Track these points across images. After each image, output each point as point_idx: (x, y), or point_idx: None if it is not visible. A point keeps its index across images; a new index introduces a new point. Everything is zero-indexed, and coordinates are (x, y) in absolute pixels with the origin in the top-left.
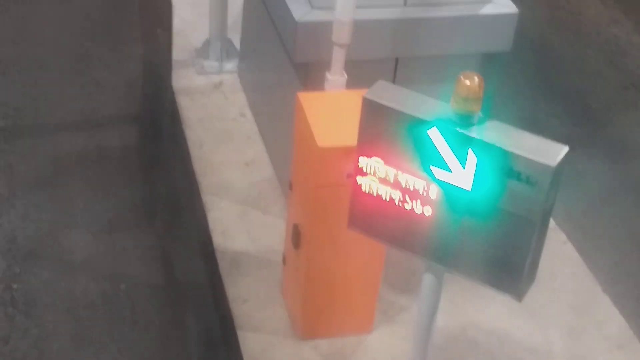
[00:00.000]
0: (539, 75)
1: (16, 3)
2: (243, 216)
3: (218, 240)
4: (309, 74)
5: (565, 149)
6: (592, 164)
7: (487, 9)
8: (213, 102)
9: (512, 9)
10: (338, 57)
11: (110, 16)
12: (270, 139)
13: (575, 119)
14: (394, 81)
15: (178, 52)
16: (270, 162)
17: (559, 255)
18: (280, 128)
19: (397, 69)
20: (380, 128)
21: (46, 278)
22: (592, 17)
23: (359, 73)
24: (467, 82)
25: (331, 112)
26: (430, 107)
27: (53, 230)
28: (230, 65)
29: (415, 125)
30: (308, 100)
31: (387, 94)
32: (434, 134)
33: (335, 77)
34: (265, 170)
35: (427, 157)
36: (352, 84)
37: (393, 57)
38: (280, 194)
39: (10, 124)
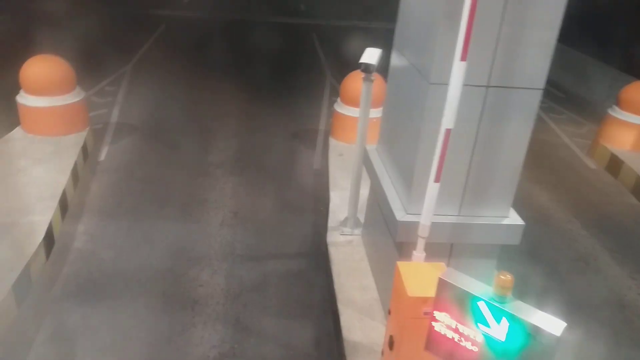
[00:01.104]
0: (533, 256)
1: (246, 196)
2: (360, 320)
3: (345, 333)
4: (403, 249)
5: (564, 324)
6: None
7: (506, 221)
8: (347, 251)
9: (521, 222)
10: (420, 243)
11: (296, 200)
12: (377, 275)
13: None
14: (450, 255)
15: (331, 222)
16: (376, 288)
17: None
18: (383, 270)
19: (452, 248)
20: (449, 296)
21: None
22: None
23: (432, 250)
24: (503, 278)
25: (416, 274)
26: (481, 288)
27: (246, 341)
28: (357, 231)
29: (470, 298)
30: (403, 266)
31: (454, 277)
32: (482, 305)
33: (419, 254)
34: (373, 293)
35: (477, 317)
36: (428, 257)
37: (450, 243)
38: (381, 308)
39: (238, 258)
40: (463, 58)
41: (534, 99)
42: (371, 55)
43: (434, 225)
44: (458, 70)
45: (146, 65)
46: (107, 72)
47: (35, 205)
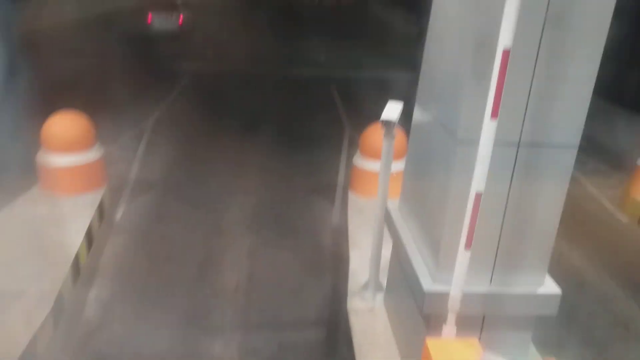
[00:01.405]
0: (567, 323)
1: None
2: None
3: None
4: (431, 320)
5: None
6: None
7: (542, 290)
8: (369, 320)
9: (557, 290)
10: (451, 318)
11: (314, 260)
12: (403, 348)
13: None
14: (481, 328)
15: (351, 285)
16: (398, 352)
17: None
18: (409, 344)
19: (484, 321)
20: None
21: None
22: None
23: (462, 322)
24: None
25: (448, 354)
26: None
27: None
28: (379, 296)
29: None
30: (432, 344)
31: None
32: None
33: (449, 329)
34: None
35: None
36: (458, 330)
37: (482, 314)
38: None
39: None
40: (494, 116)
41: (569, 156)
42: (392, 111)
43: (464, 296)
44: (489, 130)
45: (167, 120)
46: (128, 127)
47: (47, 270)
